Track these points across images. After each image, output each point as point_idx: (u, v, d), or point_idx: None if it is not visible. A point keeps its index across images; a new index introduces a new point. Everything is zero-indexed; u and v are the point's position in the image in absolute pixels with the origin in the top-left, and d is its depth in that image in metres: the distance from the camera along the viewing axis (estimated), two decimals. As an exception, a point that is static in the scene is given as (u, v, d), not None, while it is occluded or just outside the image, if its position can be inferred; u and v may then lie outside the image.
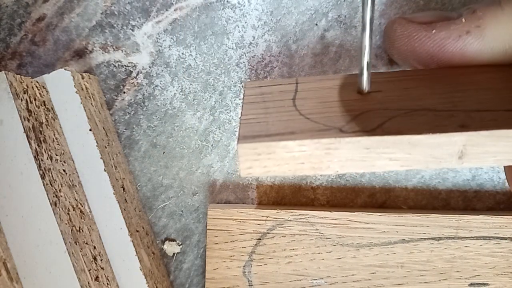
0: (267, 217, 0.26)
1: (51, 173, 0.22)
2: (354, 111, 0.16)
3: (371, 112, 0.16)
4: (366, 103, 0.17)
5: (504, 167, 0.18)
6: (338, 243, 0.26)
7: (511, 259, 0.26)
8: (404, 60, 0.20)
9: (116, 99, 0.28)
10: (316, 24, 0.26)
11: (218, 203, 0.28)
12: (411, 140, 0.14)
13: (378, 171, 0.16)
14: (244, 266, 0.27)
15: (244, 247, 0.27)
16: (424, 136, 0.14)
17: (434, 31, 0.18)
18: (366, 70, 0.17)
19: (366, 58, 0.17)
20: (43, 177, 0.21)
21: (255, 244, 0.27)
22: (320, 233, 0.26)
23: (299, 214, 0.26)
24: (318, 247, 0.26)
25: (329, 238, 0.26)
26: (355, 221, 0.26)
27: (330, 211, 0.26)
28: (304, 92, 0.18)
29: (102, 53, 0.27)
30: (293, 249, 0.26)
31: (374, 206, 0.28)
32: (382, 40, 0.26)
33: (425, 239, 0.26)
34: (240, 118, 0.17)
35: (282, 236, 0.26)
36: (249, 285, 0.27)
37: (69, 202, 0.23)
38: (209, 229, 0.26)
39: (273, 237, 0.26)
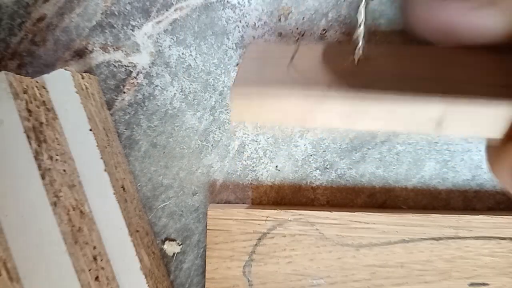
0: (267, 217, 0.26)
1: (51, 173, 0.22)
2: (344, 73, 0.17)
3: (360, 74, 0.17)
4: (358, 68, 0.18)
5: (486, 147, 0.18)
6: (338, 243, 0.26)
7: (511, 259, 0.26)
8: (417, 30, 0.20)
9: (116, 99, 0.28)
10: (316, 24, 0.26)
11: (218, 203, 0.28)
12: (394, 99, 0.15)
13: (360, 130, 0.16)
14: (244, 266, 0.27)
15: (244, 247, 0.27)
16: (406, 96, 0.15)
17: (448, 1, 0.18)
18: (361, 38, 0.18)
19: (361, 26, 0.18)
20: (43, 177, 0.21)
21: (255, 244, 0.27)
22: (320, 233, 0.26)
23: (299, 214, 0.26)
24: (318, 247, 0.26)
25: (329, 238, 0.26)
26: (355, 221, 0.26)
27: (330, 211, 0.26)
28: (303, 53, 0.19)
29: (102, 53, 0.27)
30: (293, 249, 0.26)
31: (374, 206, 0.28)
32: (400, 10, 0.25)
33: (425, 239, 0.26)
34: (237, 67, 0.18)
35: (282, 236, 0.26)
36: (249, 285, 0.27)
37: (69, 202, 0.23)
38: (209, 229, 0.26)
39: (273, 237, 0.26)
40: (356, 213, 0.26)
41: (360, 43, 0.18)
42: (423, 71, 0.17)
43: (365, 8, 0.18)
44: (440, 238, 0.26)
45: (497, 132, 0.15)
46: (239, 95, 0.16)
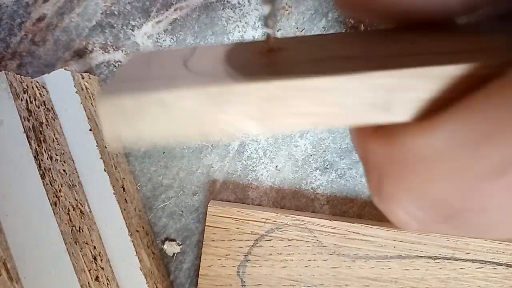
0: (267, 219, 0.26)
1: (51, 173, 0.22)
2: (254, 66, 0.13)
3: (274, 64, 0.13)
4: (269, 59, 0.14)
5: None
6: (335, 252, 0.26)
7: (504, 285, 0.26)
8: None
9: (116, 99, 0.28)
10: (316, 24, 0.26)
11: (218, 203, 0.28)
12: (319, 84, 0.11)
13: (291, 133, 0.11)
14: (238, 265, 0.27)
15: (241, 247, 0.27)
16: (335, 77, 0.11)
17: None
18: (270, 24, 0.14)
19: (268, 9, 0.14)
20: (43, 177, 0.21)
21: (252, 245, 0.27)
22: (317, 240, 0.26)
23: (299, 220, 0.26)
24: (314, 254, 0.26)
25: (326, 247, 0.26)
26: (353, 232, 0.26)
27: (330, 220, 0.26)
28: (201, 53, 0.14)
29: (102, 53, 0.27)
30: (289, 254, 0.26)
31: (374, 206, 0.28)
32: None
33: (421, 257, 0.26)
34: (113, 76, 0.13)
35: (280, 240, 0.26)
36: (242, 285, 0.27)
37: (69, 202, 0.23)
38: (207, 226, 0.26)
39: (270, 240, 0.26)
40: (355, 224, 0.26)
41: (270, 31, 0.14)
42: (350, 50, 0.14)
43: None
44: (436, 258, 0.26)
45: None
46: (109, 110, 0.11)
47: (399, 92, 0.11)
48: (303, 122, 0.11)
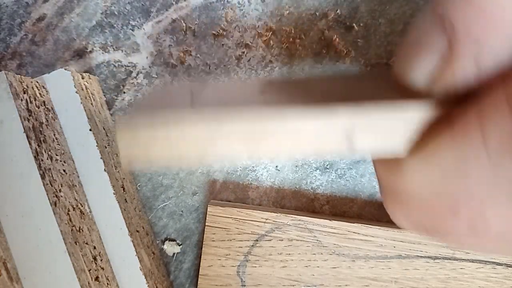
0: (267, 219, 0.26)
1: (51, 173, 0.22)
2: (248, 101, 0.15)
3: (263, 101, 0.15)
4: (261, 96, 0.16)
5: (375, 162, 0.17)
6: (335, 252, 0.26)
7: (504, 285, 0.26)
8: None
9: (116, 99, 0.28)
10: (316, 24, 0.26)
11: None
12: (296, 113, 0.13)
13: (268, 154, 0.14)
14: (238, 265, 0.27)
15: (241, 247, 0.27)
16: (309, 109, 0.13)
17: None
18: None
19: None
20: (43, 177, 0.21)
21: (252, 245, 0.27)
22: (317, 240, 0.26)
23: (299, 220, 0.26)
24: (314, 254, 0.26)
25: (326, 247, 0.26)
26: (353, 232, 0.26)
27: (330, 220, 0.26)
28: (208, 91, 0.17)
29: (102, 53, 0.27)
30: (289, 254, 0.26)
31: (374, 206, 0.28)
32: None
33: (421, 256, 0.26)
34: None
35: (280, 240, 0.26)
36: (242, 285, 0.27)
37: (69, 202, 0.23)
38: (207, 226, 0.26)
39: (270, 240, 0.26)
40: (355, 224, 0.26)
41: None
42: (328, 94, 0.16)
43: None
44: (436, 258, 0.26)
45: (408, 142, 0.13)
46: (125, 125, 0.14)
47: (359, 131, 0.13)
48: (283, 146, 0.14)
